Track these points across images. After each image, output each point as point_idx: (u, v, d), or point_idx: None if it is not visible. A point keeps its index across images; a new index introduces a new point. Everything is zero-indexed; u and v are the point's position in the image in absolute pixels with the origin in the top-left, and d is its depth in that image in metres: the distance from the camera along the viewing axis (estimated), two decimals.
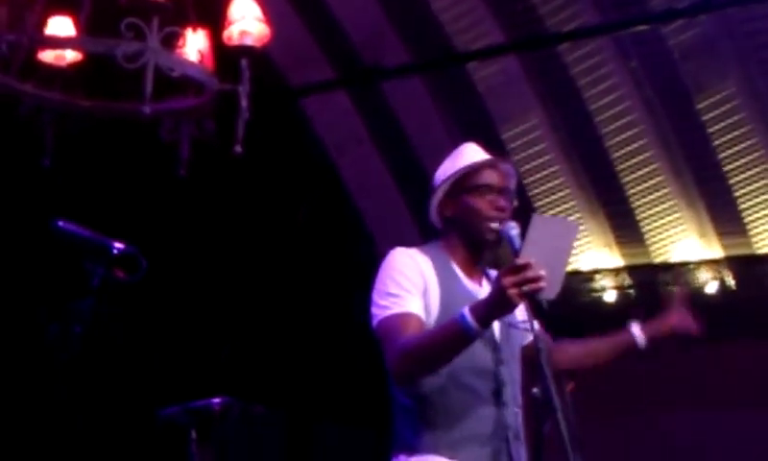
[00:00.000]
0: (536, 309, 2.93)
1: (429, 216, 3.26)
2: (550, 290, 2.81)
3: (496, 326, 3.06)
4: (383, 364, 3.04)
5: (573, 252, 8.92)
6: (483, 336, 2.91)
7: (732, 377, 8.39)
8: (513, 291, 2.71)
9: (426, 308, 3.04)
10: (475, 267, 3.21)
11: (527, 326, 2.96)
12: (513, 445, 3.02)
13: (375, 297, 3.09)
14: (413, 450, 3.01)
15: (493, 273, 3.20)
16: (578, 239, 8.82)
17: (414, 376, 2.98)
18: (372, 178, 9.04)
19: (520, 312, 2.99)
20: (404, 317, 3.00)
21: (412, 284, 3.05)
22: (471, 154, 3.25)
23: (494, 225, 3.08)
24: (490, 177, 3.17)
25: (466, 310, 2.81)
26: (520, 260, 2.74)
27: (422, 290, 3.06)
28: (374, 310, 3.07)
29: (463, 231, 3.18)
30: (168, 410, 5.05)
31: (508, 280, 2.71)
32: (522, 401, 3.14)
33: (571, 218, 8.72)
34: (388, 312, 3.02)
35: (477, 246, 3.18)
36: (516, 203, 3.20)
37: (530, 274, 2.71)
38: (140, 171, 6.97)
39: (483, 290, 3.15)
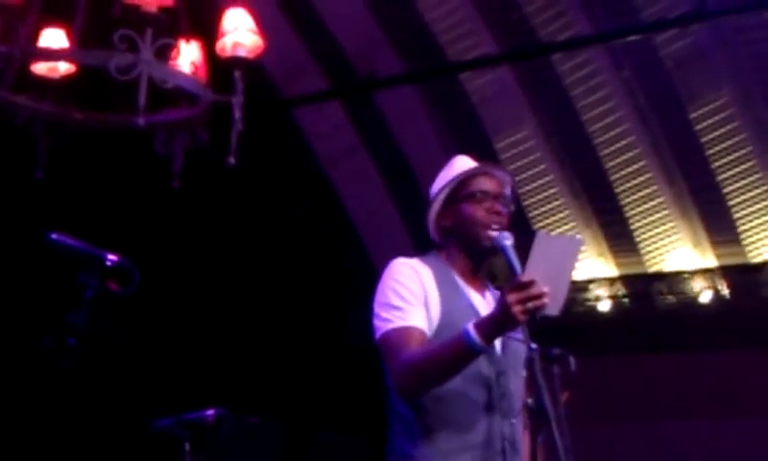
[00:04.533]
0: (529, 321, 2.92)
1: (427, 229, 3.25)
2: (553, 307, 2.81)
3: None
4: (379, 372, 3.02)
5: None
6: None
7: (727, 386, 8.40)
8: (517, 308, 2.72)
9: (427, 319, 3.02)
10: (477, 276, 3.20)
11: (523, 338, 2.95)
12: (508, 455, 3.01)
13: (377, 309, 3.05)
14: (408, 460, 3.01)
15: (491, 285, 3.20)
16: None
17: (419, 391, 2.97)
18: (365, 188, 9.04)
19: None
20: (407, 331, 2.98)
21: (413, 296, 3.03)
22: (464, 164, 3.25)
23: (492, 232, 3.08)
24: (485, 183, 3.17)
25: (470, 327, 2.81)
26: (524, 278, 2.75)
27: (424, 301, 3.04)
28: (377, 323, 3.04)
29: (462, 241, 3.17)
30: (162, 421, 5.05)
31: (512, 298, 2.72)
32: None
33: (565, 228, 8.75)
34: (390, 326, 3.00)
35: (477, 254, 3.17)
36: (512, 208, 3.20)
37: (534, 291, 2.72)
38: (134, 183, 6.97)
39: (486, 300, 3.15)
